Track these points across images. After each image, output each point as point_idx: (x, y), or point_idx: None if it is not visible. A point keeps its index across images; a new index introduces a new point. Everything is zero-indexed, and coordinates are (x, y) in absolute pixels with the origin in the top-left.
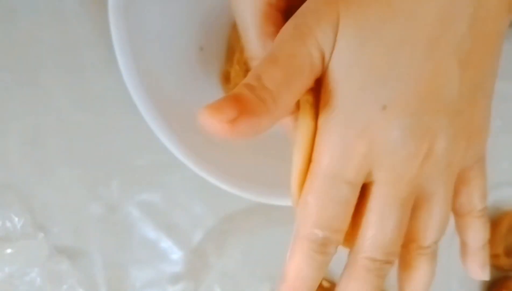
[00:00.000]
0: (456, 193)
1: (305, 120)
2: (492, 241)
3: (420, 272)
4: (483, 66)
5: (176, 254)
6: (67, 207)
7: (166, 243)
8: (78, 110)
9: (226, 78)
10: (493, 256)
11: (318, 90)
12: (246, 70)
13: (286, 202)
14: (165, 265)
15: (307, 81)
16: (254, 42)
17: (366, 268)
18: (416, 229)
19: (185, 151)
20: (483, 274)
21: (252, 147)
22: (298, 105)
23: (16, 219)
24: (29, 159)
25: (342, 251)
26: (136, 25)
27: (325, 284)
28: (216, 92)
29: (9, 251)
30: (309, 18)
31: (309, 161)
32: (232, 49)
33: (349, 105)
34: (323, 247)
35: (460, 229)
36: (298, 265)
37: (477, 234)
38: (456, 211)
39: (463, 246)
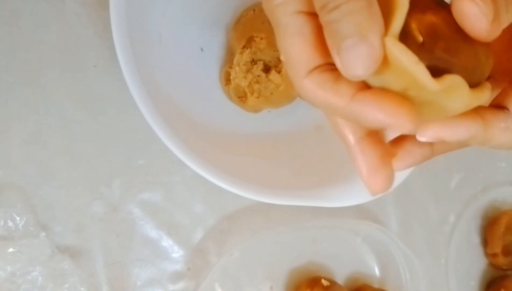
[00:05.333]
0: None
1: None
2: (490, 240)
3: None
4: None
5: (177, 253)
6: (69, 206)
7: (167, 242)
8: (80, 110)
9: (226, 79)
10: (491, 255)
11: None
12: (246, 71)
13: (286, 202)
14: (166, 264)
15: None
16: None
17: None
18: None
19: (186, 150)
20: None
21: (253, 147)
22: None
23: (18, 218)
24: (31, 159)
25: (342, 251)
26: (137, 26)
27: (325, 283)
28: (217, 92)
29: (11, 250)
30: None
31: None
32: (232, 50)
33: None
34: None
35: None
36: None
37: None
38: None
39: None
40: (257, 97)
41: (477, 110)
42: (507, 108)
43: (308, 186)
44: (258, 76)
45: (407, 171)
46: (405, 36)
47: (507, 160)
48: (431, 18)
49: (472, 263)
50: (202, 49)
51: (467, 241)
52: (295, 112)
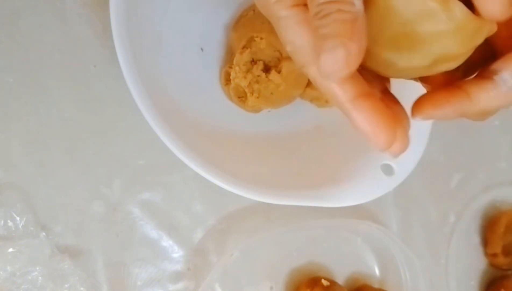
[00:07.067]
0: None
1: None
2: (490, 240)
3: None
4: None
5: (177, 253)
6: (69, 206)
7: (167, 242)
8: (80, 110)
9: (226, 79)
10: (491, 255)
11: None
12: (246, 71)
13: (286, 202)
14: (166, 264)
15: None
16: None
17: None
18: None
19: (186, 150)
20: None
21: (253, 147)
22: None
23: (18, 218)
24: (31, 158)
25: (342, 251)
26: (137, 26)
27: (325, 283)
28: (216, 92)
29: (11, 250)
30: None
31: None
32: (232, 50)
33: None
34: None
35: None
36: None
37: None
38: None
39: None
40: (257, 97)
41: (462, 87)
42: (492, 77)
43: (308, 186)
44: (258, 76)
45: (407, 171)
46: None
47: (507, 160)
48: None
49: (472, 263)
50: (202, 49)
51: (467, 241)
52: (295, 112)
